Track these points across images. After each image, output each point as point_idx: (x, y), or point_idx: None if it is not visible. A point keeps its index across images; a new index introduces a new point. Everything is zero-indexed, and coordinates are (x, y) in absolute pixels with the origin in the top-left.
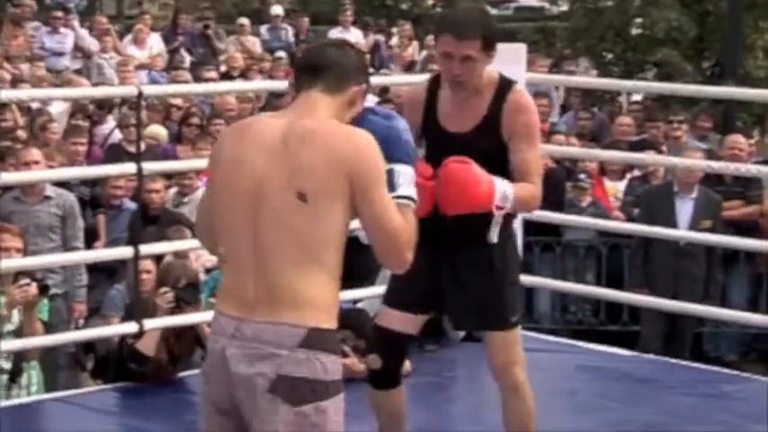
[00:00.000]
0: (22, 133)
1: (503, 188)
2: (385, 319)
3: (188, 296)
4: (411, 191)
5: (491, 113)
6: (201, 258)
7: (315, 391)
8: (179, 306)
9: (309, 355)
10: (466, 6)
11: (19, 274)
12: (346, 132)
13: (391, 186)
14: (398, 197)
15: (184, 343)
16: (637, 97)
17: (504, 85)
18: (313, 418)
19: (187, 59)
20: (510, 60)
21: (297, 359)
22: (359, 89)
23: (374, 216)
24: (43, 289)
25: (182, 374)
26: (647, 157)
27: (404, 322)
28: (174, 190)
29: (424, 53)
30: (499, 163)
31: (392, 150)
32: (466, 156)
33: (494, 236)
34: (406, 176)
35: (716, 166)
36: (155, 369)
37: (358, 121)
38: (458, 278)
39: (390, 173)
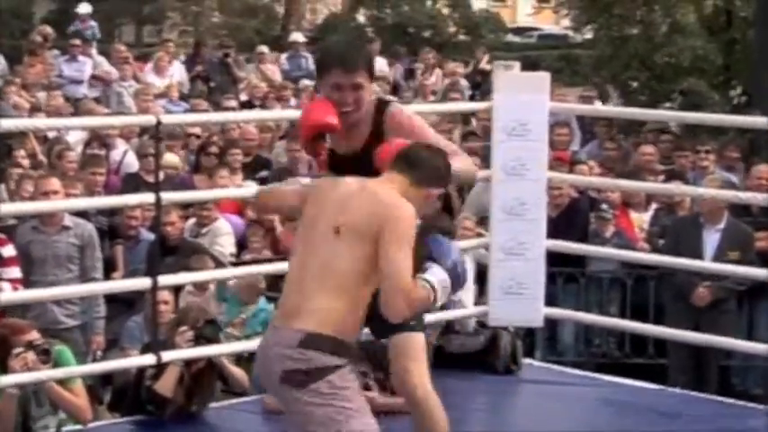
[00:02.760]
0: (25, 161)
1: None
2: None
3: (208, 333)
4: (434, 281)
5: (374, 131)
6: None
7: (315, 374)
8: (199, 344)
9: (303, 352)
10: (346, 39)
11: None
12: (393, 199)
13: (423, 271)
14: (420, 277)
15: (204, 384)
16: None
17: (381, 103)
18: (324, 390)
19: (205, 88)
20: (533, 89)
21: (294, 356)
22: (435, 192)
23: (386, 265)
24: (44, 353)
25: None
26: (671, 187)
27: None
28: (192, 221)
29: (446, 82)
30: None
31: (440, 257)
32: (359, 171)
33: None
34: (437, 274)
35: (743, 196)
36: (173, 410)
37: (436, 238)
38: None
39: (430, 267)
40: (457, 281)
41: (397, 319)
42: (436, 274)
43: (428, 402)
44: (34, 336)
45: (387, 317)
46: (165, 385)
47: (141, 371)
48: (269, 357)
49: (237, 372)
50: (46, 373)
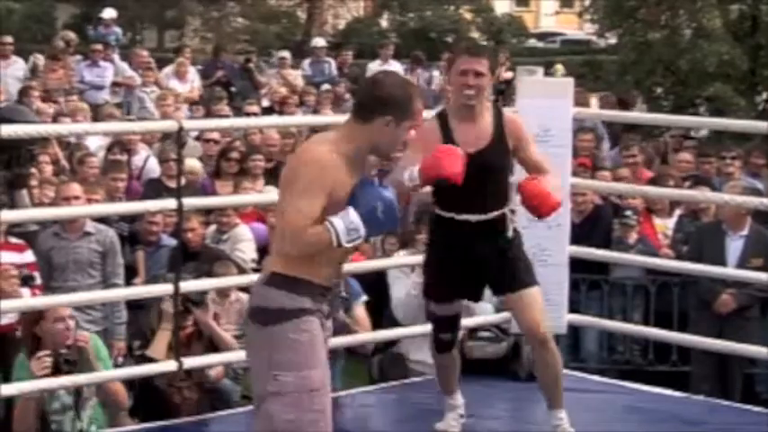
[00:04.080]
0: (48, 168)
1: (555, 183)
2: (435, 309)
3: (193, 297)
4: (340, 226)
5: (496, 130)
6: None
7: (266, 315)
8: (187, 309)
9: (266, 290)
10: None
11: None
12: (305, 147)
13: (334, 216)
14: (328, 221)
15: (195, 350)
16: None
17: (496, 106)
18: (262, 335)
19: (224, 94)
20: (557, 95)
21: (258, 293)
22: (383, 122)
23: (281, 206)
24: (66, 363)
25: (218, 414)
26: (695, 193)
27: (448, 309)
28: (213, 227)
29: None
30: (505, 167)
31: (358, 205)
32: (480, 169)
33: (510, 232)
34: (347, 217)
35: None
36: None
37: (362, 182)
38: (488, 262)
39: (344, 211)
40: (375, 224)
41: (289, 249)
42: (344, 217)
43: (553, 345)
44: (66, 312)
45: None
46: (157, 350)
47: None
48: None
49: (226, 336)
50: (70, 379)
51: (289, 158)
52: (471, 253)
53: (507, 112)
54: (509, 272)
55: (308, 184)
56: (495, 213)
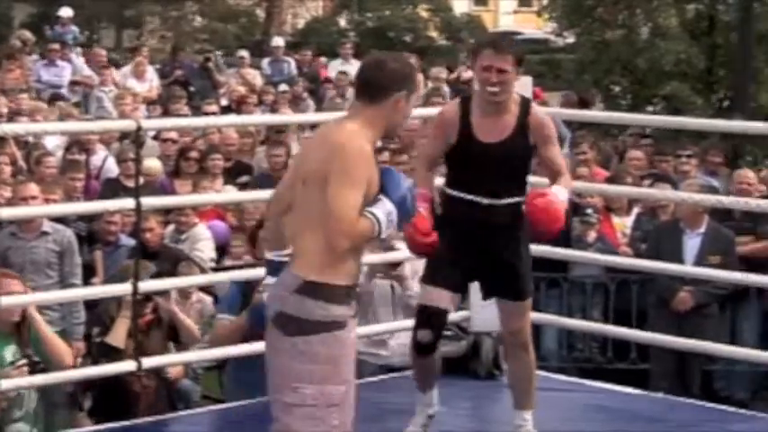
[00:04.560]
0: (6, 168)
1: (564, 196)
2: (429, 297)
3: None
4: (380, 214)
5: (519, 125)
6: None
7: (301, 327)
8: (147, 297)
9: (301, 299)
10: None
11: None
12: (342, 139)
13: (370, 206)
14: (368, 211)
15: (154, 337)
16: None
17: (525, 100)
18: (300, 347)
19: (183, 93)
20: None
21: (291, 300)
22: (398, 97)
23: (329, 197)
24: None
25: (179, 414)
26: (654, 191)
27: (446, 300)
28: (172, 226)
29: (429, 86)
30: (524, 161)
31: (390, 190)
32: (500, 159)
33: (524, 230)
34: (385, 206)
35: (725, 201)
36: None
37: (389, 171)
38: (494, 258)
39: (377, 200)
40: (405, 214)
41: (338, 246)
42: (382, 207)
43: (532, 349)
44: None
45: (331, 243)
46: (117, 337)
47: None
48: (272, 295)
49: (189, 323)
50: (28, 380)
51: (316, 150)
52: (478, 239)
53: (537, 108)
54: (513, 277)
55: (354, 177)
56: (509, 200)
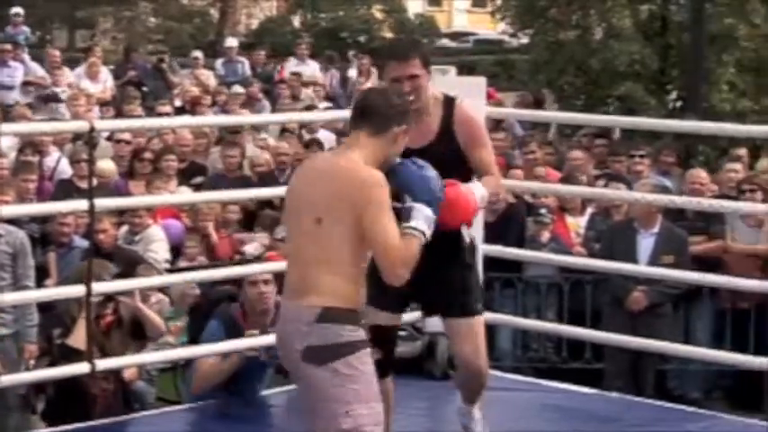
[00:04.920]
0: None
1: (480, 192)
2: (374, 318)
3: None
4: (421, 225)
5: (443, 127)
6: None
7: (335, 351)
8: (109, 299)
9: (324, 327)
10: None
11: None
12: (358, 172)
13: (407, 219)
14: (407, 227)
15: (115, 338)
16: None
17: (448, 98)
18: (343, 371)
19: (137, 94)
20: (470, 94)
21: (315, 332)
22: (399, 130)
23: (373, 238)
24: None
25: (134, 415)
26: (607, 191)
27: (388, 319)
28: (125, 228)
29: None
30: (456, 166)
31: (418, 192)
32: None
33: (467, 237)
34: (420, 213)
35: (678, 201)
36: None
37: (396, 166)
38: (436, 272)
39: (410, 209)
40: (438, 201)
41: (400, 283)
42: (420, 215)
43: (486, 379)
44: None
45: (386, 281)
46: (77, 339)
47: (50, 333)
48: (288, 334)
49: (155, 317)
50: None
51: (324, 185)
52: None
53: (463, 107)
54: (455, 291)
55: (386, 205)
56: None
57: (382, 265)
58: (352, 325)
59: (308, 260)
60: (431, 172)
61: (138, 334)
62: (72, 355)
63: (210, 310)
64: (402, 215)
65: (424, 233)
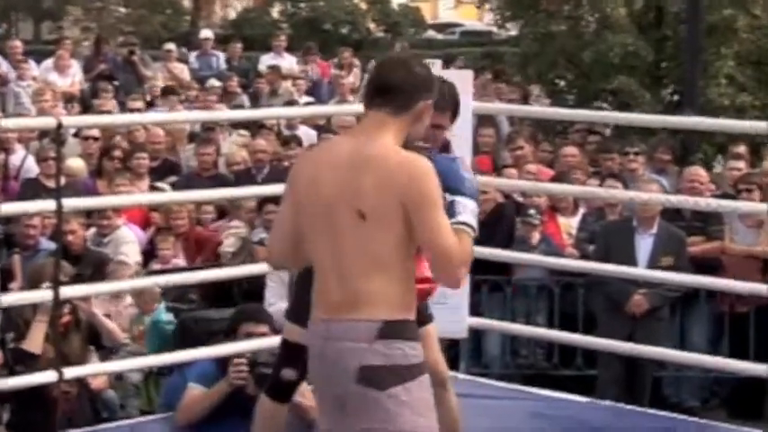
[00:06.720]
0: None
1: None
2: (293, 334)
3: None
4: (469, 218)
5: None
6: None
7: (399, 375)
8: (65, 302)
9: (388, 344)
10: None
11: None
12: (402, 160)
13: (451, 214)
14: (456, 223)
15: (73, 341)
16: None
17: None
18: (402, 398)
19: (109, 87)
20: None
21: (376, 350)
22: (425, 105)
23: (427, 237)
24: None
25: (102, 426)
26: (601, 191)
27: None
28: (94, 229)
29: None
30: None
31: (454, 184)
32: None
33: None
34: (466, 207)
35: (674, 200)
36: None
37: (450, 159)
38: None
39: (452, 203)
40: (473, 185)
41: (456, 283)
42: (466, 208)
43: (451, 386)
44: None
45: (442, 284)
46: (33, 343)
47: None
48: (337, 352)
49: (111, 325)
50: None
51: (357, 176)
52: None
53: None
54: None
55: (438, 198)
56: None
57: (440, 267)
58: (414, 341)
59: (350, 264)
60: (462, 163)
61: (95, 339)
62: (27, 360)
63: (201, 340)
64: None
65: (474, 228)
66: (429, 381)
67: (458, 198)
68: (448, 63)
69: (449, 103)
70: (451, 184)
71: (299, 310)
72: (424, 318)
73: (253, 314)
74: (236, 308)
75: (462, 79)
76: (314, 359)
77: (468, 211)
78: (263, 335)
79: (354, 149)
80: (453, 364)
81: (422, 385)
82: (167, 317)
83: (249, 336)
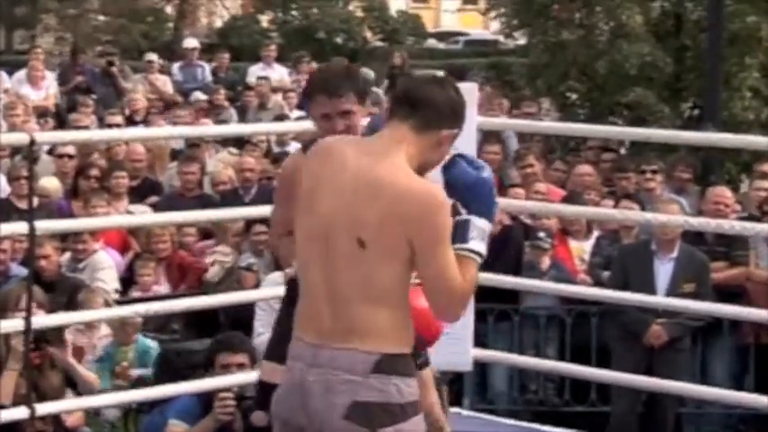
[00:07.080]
0: None
1: None
2: (271, 374)
3: (49, 335)
4: (480, 246)
5: None
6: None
7: (392, 414)
8: (38, 348)
9: (383, 379)
10: (334, 63)
11: None
12: (414, 188)
13: (462, 238)
14: (465, 250)
15: (49, 379)
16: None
17: None
18: None
19: (89, 101)
20: None
21: (370, 385)
22: (449, 134)
23: (432, 274)
24: None
25: None
26: (615, 212)
27: None
28: (68, 254)
29: None
30: None
31: (473, 201)
32: None
33: None
34: (480, 231)
35: (695, 222)
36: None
37: (447, 165)
38: None
39: (466, 224)
40: (493, 201)
41: (455, 320)
42: (477, 232)
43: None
44: None
45: (440, 320)
46: (4, 394)
47: None
48: (322, 383)
49: (88, 375)
50: None
51: (358, 193)
52: None
53: None
54: None
55: (448, 232)
56: None
57: (439, 303)
58: (410, 377)
59: (346, 291)
60: (488, 173)
61: (71, 381)
62: None
63: (182, 374)
64: (455, 229)
65: (481, 255)
66: (423, 421)
67: (473, 219)
68: (456, 75)
69: (348, 84)
70: (472, 201)
71: (281, 349)
72: (418, 363)
73: (228, 344)
74: (215, 338)
75: (467, 92)
76: (290, 386)
77: (480, 235)
78: (240, 365)
79: (361, 169)
80: (457, 400)
81: (416, 425)
82: (152, 342)
83: (226, 367)
